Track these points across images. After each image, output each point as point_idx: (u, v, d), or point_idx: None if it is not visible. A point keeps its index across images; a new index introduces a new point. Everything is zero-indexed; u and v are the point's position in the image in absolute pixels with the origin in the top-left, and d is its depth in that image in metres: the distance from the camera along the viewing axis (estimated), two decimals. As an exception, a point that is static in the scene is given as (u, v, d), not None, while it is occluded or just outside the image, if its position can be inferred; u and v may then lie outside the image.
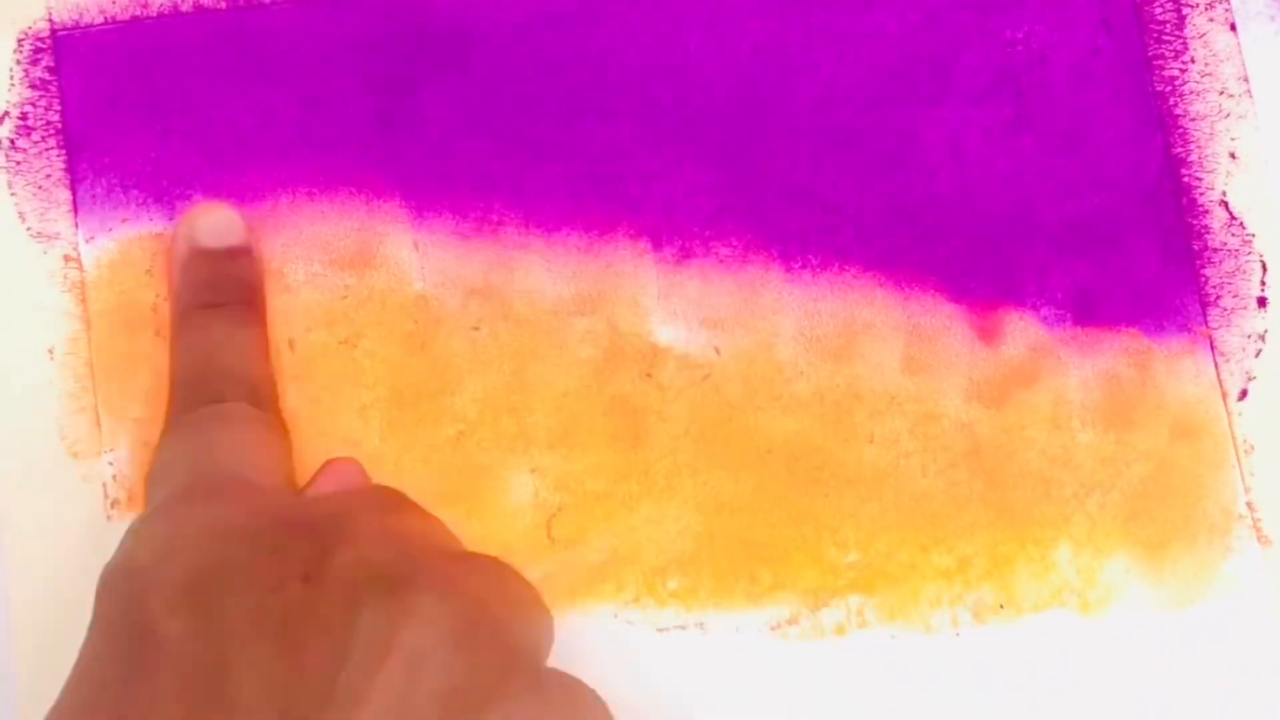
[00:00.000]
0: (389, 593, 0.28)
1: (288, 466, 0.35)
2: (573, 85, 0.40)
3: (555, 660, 0.37)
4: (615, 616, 0.38)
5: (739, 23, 0.40)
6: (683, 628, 0.38)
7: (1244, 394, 0.39)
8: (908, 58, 0.40)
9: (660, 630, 0.38)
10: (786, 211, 0.40)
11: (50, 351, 0.38)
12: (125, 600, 0.29)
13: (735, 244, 0.40)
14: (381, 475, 0.38)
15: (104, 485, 0.38)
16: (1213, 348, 0.39)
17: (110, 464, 0.38)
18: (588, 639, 0.38)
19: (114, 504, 0.38)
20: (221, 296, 0.37)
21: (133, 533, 0.32)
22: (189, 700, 0.27)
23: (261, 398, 0.36)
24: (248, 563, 0.29)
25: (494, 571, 0.31)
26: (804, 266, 0.39)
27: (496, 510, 0.38)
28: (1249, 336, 0.39)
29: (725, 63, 0.40)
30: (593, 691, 0.31)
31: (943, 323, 0.39)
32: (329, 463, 0.36)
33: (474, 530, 0.38)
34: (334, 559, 0.29)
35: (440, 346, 0.39)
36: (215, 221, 0.38)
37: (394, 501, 0.33)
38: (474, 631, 0.29)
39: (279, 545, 0.29)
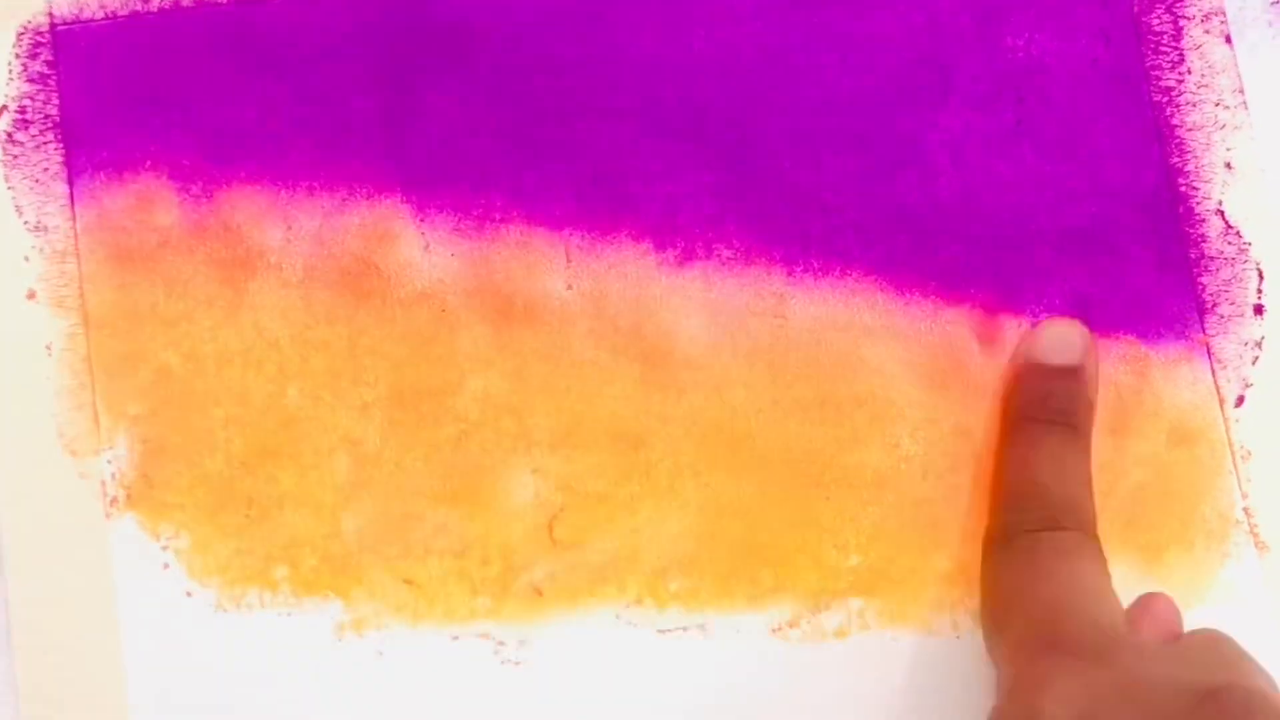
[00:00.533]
0: None
1: (1119, 607, 0.35)
2: (575, 84, 0.40)
3: (557, 661, 0.37)
4: (617, 618, 0.38)
5: (742, 24, 0.41)
6: (684, 629, 0.38)
7: (1241, 400, 0.39)
8: (909, 62, 0.41)
9: (661, 631, 0.38)
10: (788, 214, 0.40)
11: (48, 348, 0.38)
12: None
13: (737, 246, 0.40)
14: (382, 474, 0.38)
15: (102, 483, 0.38)
16: (1210, 355, 0.39)
17: (109, 462, 0.38)
18: (589, 640, 0.38)
19: (112, 502, 0.38)
20: (1055, 415, 0.37)
21: (1035, 686, 0.32)
22: None
23: (1089, 526, 0.36)
24: None
25: None
26: (805, 270, 0.40)
27: (498, 510, 0.38)
28: (1246, 344, 0.39)
29: (728, 64, 0.40)
30: None
31: (943, 327, 0.39)
32: (1147, 603, 0.35)
33: (475, 531, 0.38)
34: None
35: (442, 346, 0.39)
36: (1060, 338, 0.38)
37: (1246, 658, 0.33)
38: None
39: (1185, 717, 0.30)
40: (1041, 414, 0.37)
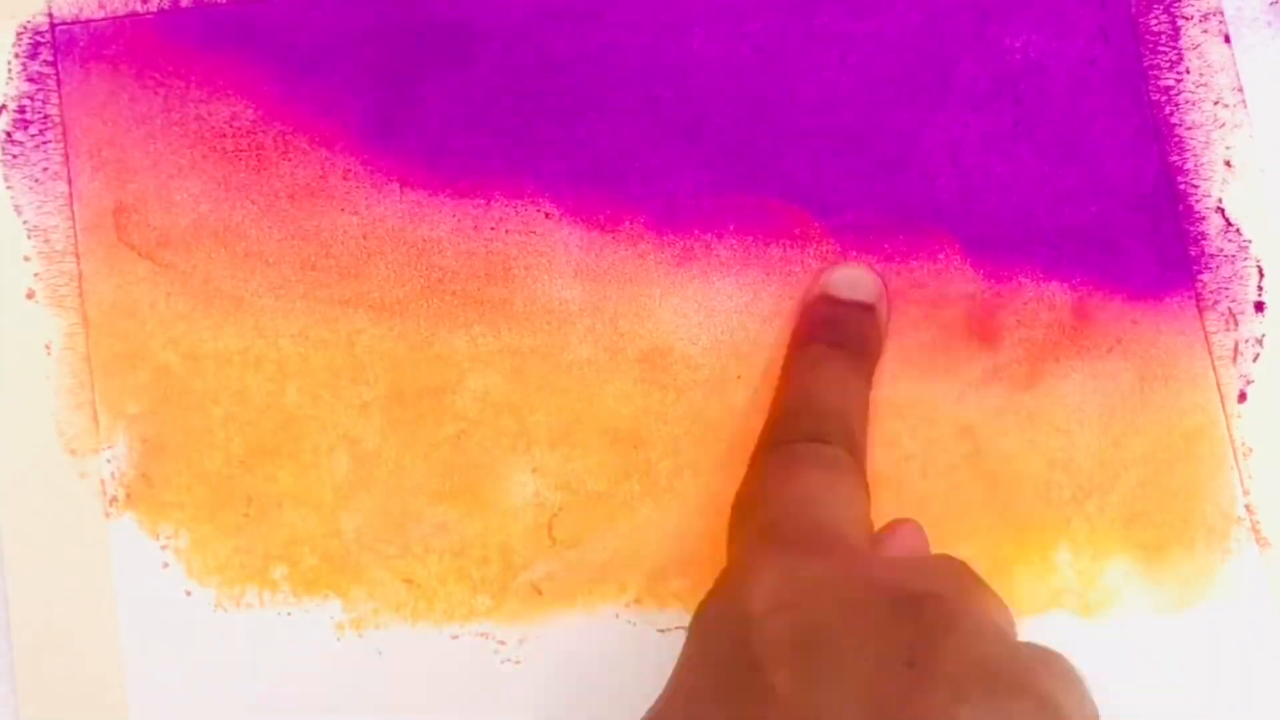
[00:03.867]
0: (991, 694, 0.28)
1: (870, 525, 0.35)
2: (575, 82, 0.40)
3: (557, 660, 0.37)
4: (616, 617, 0.38)
5: (741, 23, 0.41)
6: (684, 628, 0.37)
7: (1242, 397, 0.39)
8: (908, 62, 0.41)
9: (661, 630, 0.38)
10: (787, 213, 0.40)
11: (48, 347, 0.38)
12: (734, 641, 0.29)
13: (736, 244, 0.40)
14: (382, 473, 0.38)
15: (102, 482, 0.38)
16: (1210, 352, 0.39)
17: (108, 460, 0.38)
18: (589, 639, 0.38)
19: (112, 501, 0.38)
20: (839, 339, 0.37)
21: (742, 574, 0.31)
22: None
23: (856, 446, 0.36)
24: (857, 636, 0.29)
25: (1062, 669, 0.31)
26: (804, 268, 0.40)
27: (497, 509, 0.38)
28: (1246, 341, 0.39)
29: (727, 63, 0.40)
30: None
31: (942, 326, 0.39)
32: (896, 525, 0.35)
33: (475, 530, 0.38)
34: (941, 648, 0.28)
35: (441, 344, 0.39)
36: (853, 278, 0.39)
37: (975, 582, 0.32)
38: None
39: (885, 620, 0.29)
40: (827, 336, 0.37)
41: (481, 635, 0.38)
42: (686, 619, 0.37)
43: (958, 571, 0.32)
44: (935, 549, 0.38)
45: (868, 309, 0.38)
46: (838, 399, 0.36)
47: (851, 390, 0.37)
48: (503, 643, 0.38)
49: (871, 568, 0.31)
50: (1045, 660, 0.30)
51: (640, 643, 0.38)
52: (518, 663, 0.37)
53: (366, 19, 0.40)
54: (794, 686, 0.28)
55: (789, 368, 0.38)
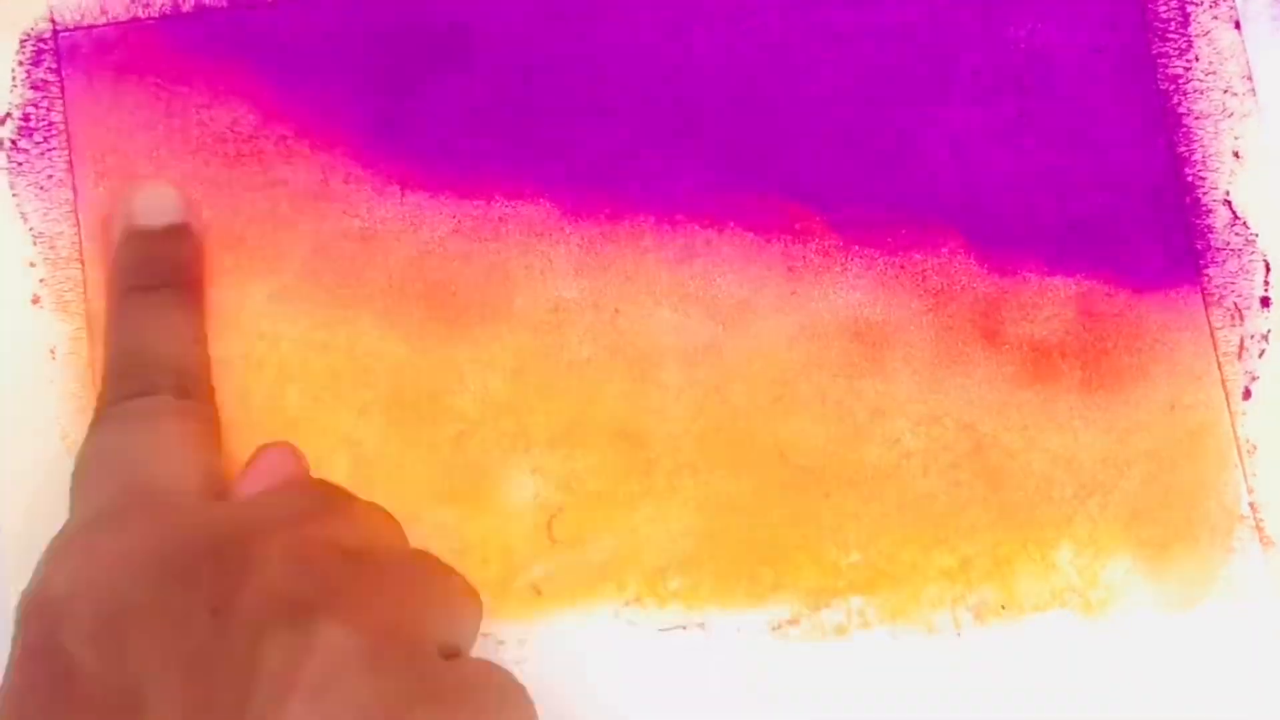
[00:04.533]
0: (293, 624, 0.29)
1: (212, 460, 0.35)
2: (574, 83, 0.40)
3: (557, 660, 0.37)
4: (616, 616, 0.38)
5: (740, 21, 0.40)
6: (684, 627, 0.38)
7: (1247, 394, 0.39)
8: (909, 57, 0.40)
9: (661, 630, 0.38)
10: (788, 211, 0.40)
11: (52, 351, 0.39)
12: (43, 630, 0.30)
13: (737, 243, 0.39)
14: (382, 474, 0.38)
15: (106, 485, 0.38)
16: (1215, 347, 0.39)
17: (112, 464, 0.38)
18: (589, 639, 0.38)
19: (116, 504, 0.38)
20: (156, 279, 0.37)
21: (50, 557, 0.32)
22: None
23: (191, 385, 0.36)
24: (157, 598, 0.29)
25: (411, 577, 0.31)
26: (806, 266, 0.39)
27: (497, 510, 0.38)
28: (1252, 336, 0.39)
29: (727, 61, 0.40)
30: (514, 688, 0.32)
31: (945, 322, 0.39)
32: (260, 451, 0.35)
33: (474, 530, 0.38)
34: (240, 589, 0.29)
35: (441, 346, 0.39)
36: (151, 199, 0.38)
37: (317, 504, 0.33)
38: (380, 656, 0.29)
39: (187, 575, 0.29)
40: (144, 280, 0.37)
41: (482, 635, 0.38)
42: (687, 618, 0.38)
43: (288, 496, 0.33)
44: (937, 546, 0.38)
45: (177, 230, 0.38)
46: (168, 342, 0.36)
47: (181, 326, 0.36)
48: (503, 642, 0.38)
49: (189, 523, 0.31)
50: (381, 571, 0.31)
51: (640, 642, 0.38)
52: (518, 663, 0.38)
53: (367, 23, 0.40)
54: (99, 666, 0.28)
55: (113, 322, 0.37)
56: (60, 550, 0.32)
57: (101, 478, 0.33)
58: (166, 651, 0.28)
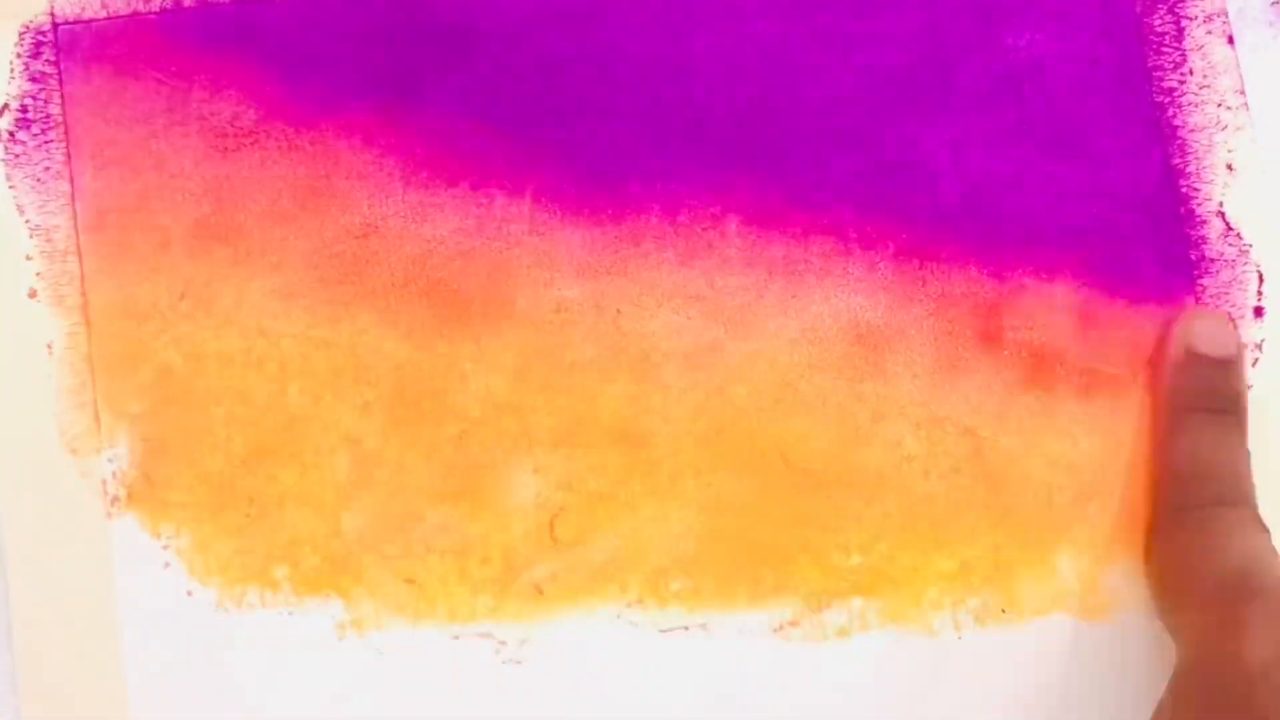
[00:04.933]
0: None
1: None
2: (576, 83, 0.40)
3: (558, 661, 0.37)
4: (618, 617, 0.38)
5: (743, 24, 0.41)
6: (685, 628, 0.38)
7: (1243, 401, 0.39)
8: (910, 63, 0.41)
9: (663, 631, 0.38)
10: (790, 214, 0.40)
11: (49, 347, 0.38)
12: (1237, 704, 0.31)
13: (738, 245, 0.40)
14: (383, 473, 0.38)
15: (103, 482, 0.38)
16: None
17: (109, 461, 0.38)
18: (590, 639, 0.38)
19: (113, 501, 0.38)
20: (1221, 406, 0.38)
21: (1226, 633, 0.33)
22: None
23: (1254, 506, 0.37)
24: None
25: None
26: (807, 269, 0.40)
27: (499, 510, 0.38)
28: (1246, 346, 0.39)
29: (729, 64, 0.40)
30: None
31: (945, 327, 0.39)
32: None
33: (476, 530, 0.38)
34: None
35: (443, 344, 0.39)
36: (1213, 331, 0.39)
37: None
38: None
39: None
40: (1205, 404, 0.38)
41: (483, 636, 0.38)
42: (688, 619, 0.38)
43: None
44: (937, 550, 0.38)
45: (1236, 363, 0.39)
46: (1229, 461, 0.38)
47: (1237, 449, 0.38)
48: (504, 643, 0.38)
49: None
50: None
51: (642, 643, 0.38)
52: (519, 663, 0.37)
53: (368, 19, 0.40)
54: None
55: (1176, 439, 0.38)
56: (1236, 622, 0.33)
57: (1227, 568, 0.35)
58: None
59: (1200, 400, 0.38)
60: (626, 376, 0.39)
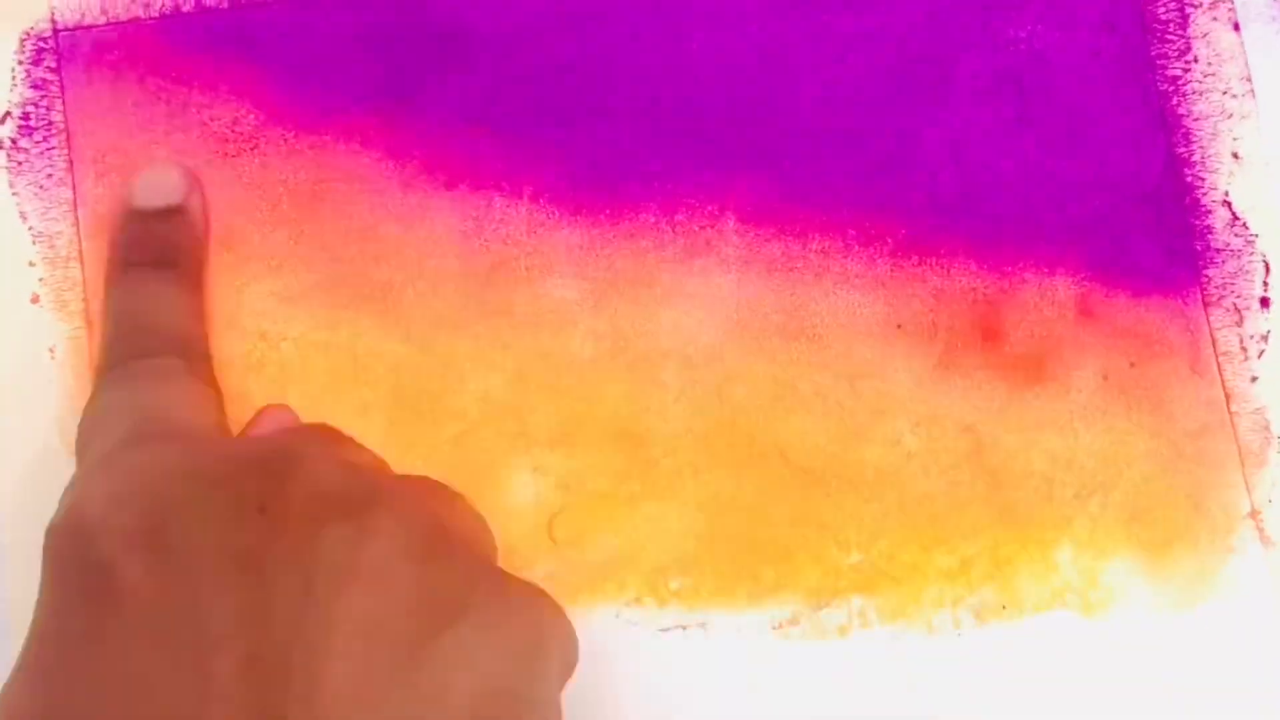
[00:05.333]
0: (347, 515, 0.29)
1: (222, 419, 0.35)
2: (575, 85, 0.40)
3: (557, 660, 0.37)
4: (617, 616, 0.38)
5: (741, 23, 0.40)
6: (684, 627, 0.38)
7: (1247, 394, 0.39)
8: (909, 58, 0.40)
9: (662, 630, 0.38)
10: (788, 212, 0.40)
11: (51, 351, 0.38)
12: (78, 554, 0.29)
13: (737, 244, 0.40)
14: (383, 475, 0.38)
15: (106, 485, 0.38)
16: (1215, 348, 0.39)
17: (112, 463, 0.38)
18: (590, 638, 0.37)
19: (116, 503, 0.38)
20: (157, 257, 0.37)
21: (74, 489, 0.31)
22: (159, 636, 0.27)
23: (195, 359, 0.36)
24: (202, 499, 0.29)
25: (441, 491, 0.32)
26: (805, 267, 0.39)
27: (498, 509, 0.38)
28: (1252, 337, 0.39)
29: (727, 63, 0.40)
30: (552, 600, 0.32)
31: (945, 322, 0.39)
32: (263, 410, 0.36)
33: (476, 530, 0.38)
34: (288, 489, 0.29)
35: (442, 345, 0.39)
36: (153, 181, 0.38)
37: (335, 435, 0.33)
38: (435, 545, 0.29)
39: (231, 480, 0.29)
40: (142, 257, 0.37)
41: (483, 635, 0.38)
42: (687, 618, 0.38)
43: (306, 429, 0.33)
44: (937, 547, 0.38)
45: (175, 212, 0.38)
46: (168, 316, 0.36)
47: (180, 306, 0.37)
48: (504, 643, 0.38)
49: (221, 443, 0.32)
50: (417, 482, 0.32)
51: (641, 642, 0.38)
52: (519, 663, 0.38)
53: (367, 23, 0.40)
54: (147, 572, 0.28)
55: (112, 291, 0.37)
56: (85, 479, 0.31)
57: (113, 425, 0.33)
58: (218, 552, 0.28)
59: (135, 252, 0.37)
60: (625, 376, 0.39)
